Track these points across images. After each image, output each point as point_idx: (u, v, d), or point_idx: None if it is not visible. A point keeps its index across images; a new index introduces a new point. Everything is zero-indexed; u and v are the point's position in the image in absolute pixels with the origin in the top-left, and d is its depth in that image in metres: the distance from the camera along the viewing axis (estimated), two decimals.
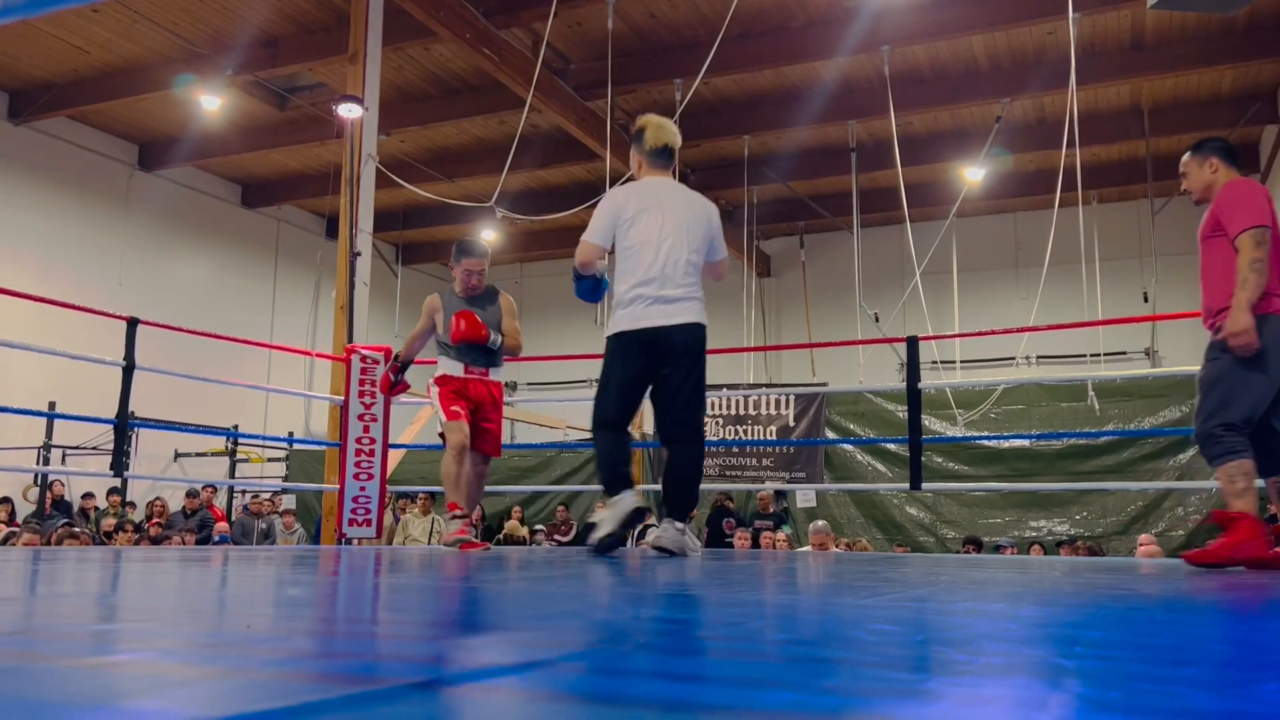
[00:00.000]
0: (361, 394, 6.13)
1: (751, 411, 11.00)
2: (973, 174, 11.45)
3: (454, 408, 4.64)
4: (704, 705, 0.77)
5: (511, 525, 11.13)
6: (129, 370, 5.24)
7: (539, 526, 11.28)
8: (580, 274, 3.85)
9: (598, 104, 10.18)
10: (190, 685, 0.83)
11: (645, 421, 9.40)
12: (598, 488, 3.86)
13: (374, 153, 7.78)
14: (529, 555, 4.53)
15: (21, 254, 11.08)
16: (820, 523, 8.19)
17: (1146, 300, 11.91)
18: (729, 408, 10.92)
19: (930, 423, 10.11)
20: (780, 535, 8.93)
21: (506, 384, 5.42)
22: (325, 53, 9.66)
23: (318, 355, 9.71)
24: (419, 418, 9.85)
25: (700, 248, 3.72)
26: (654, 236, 3.63)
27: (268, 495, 11.83)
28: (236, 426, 12.12)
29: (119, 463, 5.76)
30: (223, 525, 10.75)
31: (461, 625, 1.51)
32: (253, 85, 10.86)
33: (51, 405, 10.01)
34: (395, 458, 7.03)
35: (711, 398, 9.22)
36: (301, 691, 0.81)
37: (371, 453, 6.13)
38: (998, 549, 9.11)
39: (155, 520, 10.37)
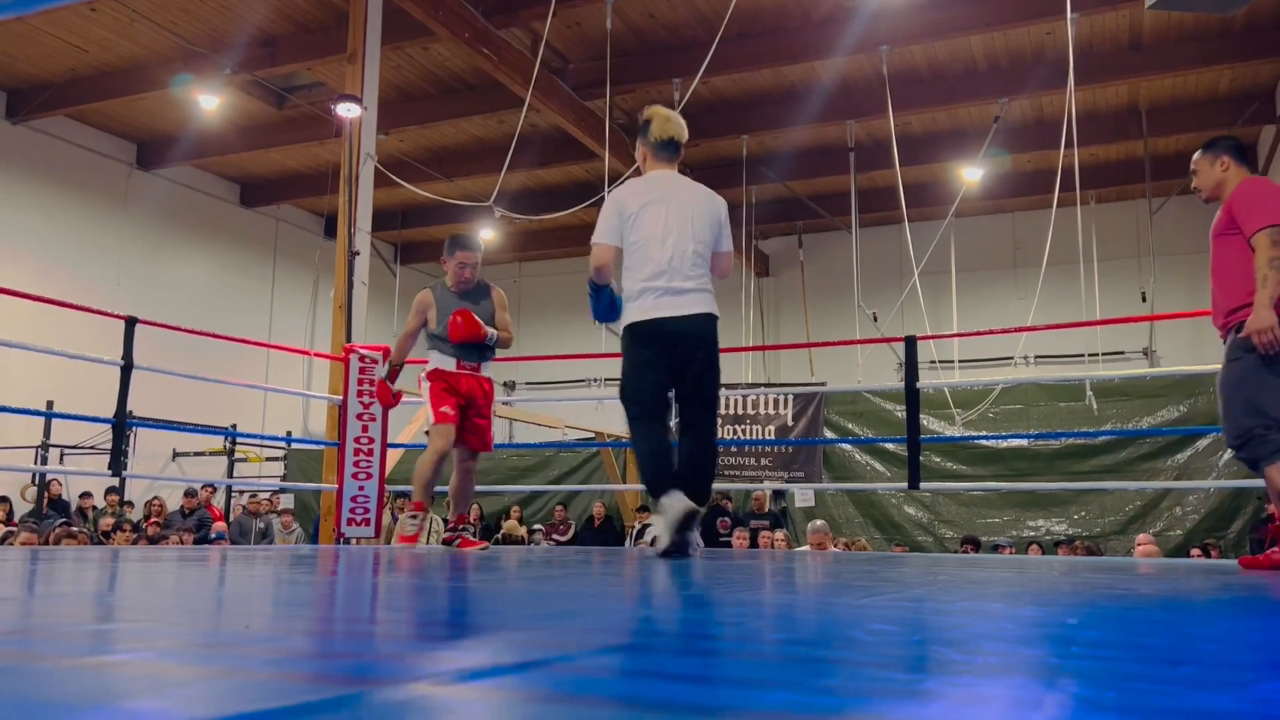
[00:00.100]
0: (360, 393, 6.13)
1: (750, 411, 11.00)
2: (971, 174, 11.44)
3: (444, 408, 4.61)
4: (704, 705, 0.77)
5: (510, 525, 11.12)
6: (127, 369, 5.24)
7: (537, 526, 11.28)
8: (596, 286, 3.71)
9: (596, 104, 10.18)
10: (188, 685, 0.83)
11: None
12: (598, 487, 3.85)
13: (373, 152, 7.78)
14: (527, 555, 4.53)
15: (20, 253, 11.07)
16: (818, 522, 8.19)
17: (1144, 300, 11.91)
18: (727, 407, 10.91)
19: (928, 422, 10.12)
20: (779, 535, 8.93)
21: (504, 383, 5.41)
22: (324, 52, 9.65)
23: (316, 355, 9.71)
24: (417, 417, 9.80)
25: (707, 239, 3.66)
26: (659, 229, 3.58)
27: (266, 495, 11.83)
28: (235, 426, 12.10)
29: (117, 462, 5.77)
30: (220, 524, 10.73)
31: (460, 625, 1.51)
32: (251, 84, 10.85)
33: (49, 404, 10.01)
34: (394, 457, 7.01)
35: None
36: (299, 691, 0.81)
37: (370, 452, 6.13)
38: (996, 549, 9.11)
39: (153, 520, 10.36)
